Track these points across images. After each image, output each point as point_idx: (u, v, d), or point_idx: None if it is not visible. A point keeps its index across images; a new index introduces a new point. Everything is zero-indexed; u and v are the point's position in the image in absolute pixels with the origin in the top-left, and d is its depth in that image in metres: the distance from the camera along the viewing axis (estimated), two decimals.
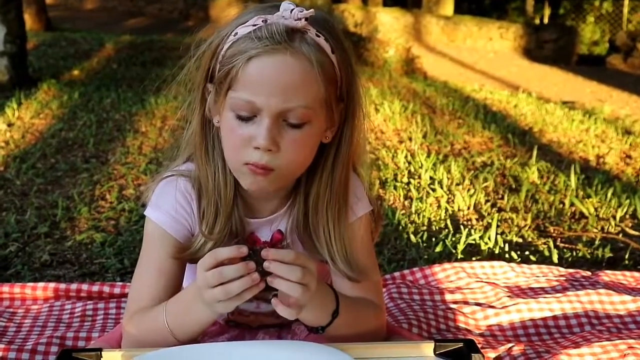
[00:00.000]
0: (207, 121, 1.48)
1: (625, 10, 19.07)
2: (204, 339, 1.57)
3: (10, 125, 5.27)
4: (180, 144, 1.58)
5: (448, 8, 16.68)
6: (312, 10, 1.37)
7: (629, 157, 4.85)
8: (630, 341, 1.99)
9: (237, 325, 1.67)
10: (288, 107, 1.34)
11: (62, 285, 2.39)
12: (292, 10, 1.34)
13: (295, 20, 1.33)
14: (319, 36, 1.37)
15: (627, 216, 3.51)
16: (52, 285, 2.40)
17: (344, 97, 1.46)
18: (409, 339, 1.71)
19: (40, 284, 2.40)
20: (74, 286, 2.40)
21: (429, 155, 4.56)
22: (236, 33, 1.37)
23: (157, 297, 1.48)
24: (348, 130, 1.49)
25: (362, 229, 1.57)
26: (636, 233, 3.28)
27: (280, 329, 1.68)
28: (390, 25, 14.77)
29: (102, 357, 1.39)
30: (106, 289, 2.39)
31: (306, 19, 1.34)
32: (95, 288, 2.39)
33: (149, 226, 1.55)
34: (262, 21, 1.35)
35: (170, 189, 1.53)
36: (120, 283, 2.46)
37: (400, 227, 3.24)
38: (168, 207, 1.51)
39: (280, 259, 1.25)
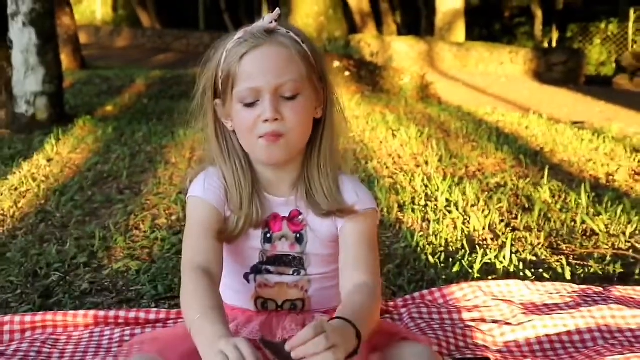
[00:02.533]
0: (221, 130, 1.70)
1: (630, 32, 18.97)
2: (235, 328, 1.64)
3: (49, 160, 5.32)
4: (204, 159, 1.78)
5: (460, 35, 16.68)
6: (278, 13, 1.64)
7: (638, 174, 4.82)
8: None
9: (264, 307, 1.74)
10: (281, 82, 1.56)
11: (101, 313, 2.41)
12: (264, 18, 1.62)
13: (268, 23, 1.60)
14: (288, 32, 1.61)
15: (637, 232, 3.48)
16: (91, 312, 2.41)
17: (323, 79, 1.68)
18: (426, 343, 1.72)
19: (81, 312, 2.42)
20: (112, 313, 2.41)
21: (444, 178, 4.56)
22: (228, 48, 1.61)
23: (203, 251, 1.62)
24: (330, 108, 1.70)
25: (367, 223, 1.69)
26: None
27: (304, 314, 1.74)
28: (405, 54, 14.79)
29: None
30: (142, 315, 2.41)
31: (276, 21, 1.61)
32: (132, 314, 2.41)
33: (188, 202, 1.72)
34: (244, 31, 1.61)
35: (200, 177, 1.72)
36: (155, 309, 2.47)
37: (419, 249, 3.24)
38: (200, 185, 1.69)
39: (302, 342, 1.29)
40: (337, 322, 1.41)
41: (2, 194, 4.30)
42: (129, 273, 2.98)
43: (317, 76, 1.64)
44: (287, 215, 1.69)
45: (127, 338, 2.25)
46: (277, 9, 1.67)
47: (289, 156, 1.64)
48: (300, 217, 1.69)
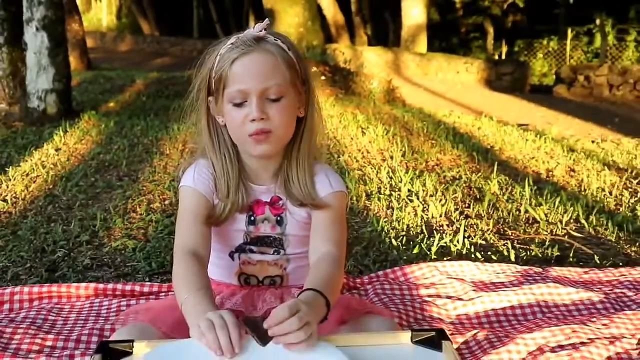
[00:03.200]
0: (212, 125, 1.69)
1: (568, 48, 19.21)
2: (220, 301, 1.66)
3: (57, 150, 5.27)
4: (195, 151, 1.78)
5: (422, 46, 16.72)
6: (267, 22, 1.63)
7: (573, 170, 4.86)
8: (574, 326, 2.01)
9: (247, 282, 1.74)
10: (266, 86, 1.56)
11: (101, 285, 2.40)
12: (255, 26, 1.62)
13: (258, 31, 1.59)
14: (276, 40, 1.61)
15: (572, 221, 3.51)
16: (92, 285, 2.40)
17: (306, 82, 1.68)
18: (388, 316, 1.75)
19: (83, 284, 2.40)
20: (110, 286, 2.40)
21: (407, 171, 4.56)
22: (221, 52, 1.61)
23: (193, 234, 1.63)
24: (311, 108, 1.70)
25: (335, 203, 1.70)
26: (579, 235, 3.28)
27: (282, 289, 1.74)
28: (374, 62, 14.80)
29: (133, 347, 1.39)
30: (137, 288, 2.40)
31: (265, 29, 1.60)
32: (128, 287, 2.40)
33: (180, 191, 1.72)
34: (236, 38, 1.61)
35: (191, 168, 1.72)
36: (149, 283, 2.47)
37: (384, 233, 3.25)
38: (191, 175, 1.69)
39: (278, 321, 1.28)
40: (308, 295, 1.41)
41: (15, 179, 4.27)
42: (126, 251, 2.96)
43: (300, 80, 1.64)
44: (268, 200, 1.69)
45: (123, 308, 2.24)
46: (267, 19, 1.67)
47: (276, 150, 1.65)
48: (280, 202, 1.70)
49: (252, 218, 1.69)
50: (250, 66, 1.56)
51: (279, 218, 1.70)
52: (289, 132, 1.65)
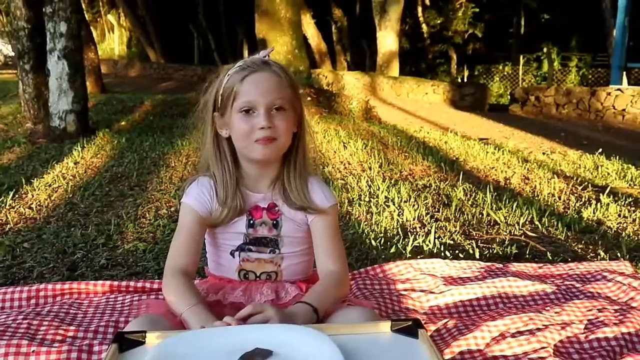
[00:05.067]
0: (216, 138, 1.67)
1: (520, 72, 19.40)
2: (222, 295, 1.68)
3: (76, 163, 5.24)
4: (200, 161, 1.77)
5: (395, 71, 16.80)
6: (271, 49, 1.69)
7: (527, 178, 4.88)
8: (530, 314, 2.02)
9: (245, 277, 1.73)
10: (273, 99, 1.58)
11: (115, 283, 2.38)
12: (261, 52, 1.67)
13: (263, 57, 1.65)
14: (278, 66, 1.64)
15: (527, 222, 3.53)
16: (108, 282, 2.38)
17: (300, 105, 1.69)
18: (368, 307, 1.73)
19: (99, 282, 2.39)
20: (124, 283, 2.38)
21: (384, 180, 4.57)
22: (229, 74, 1.61)
23: (184, 255, 1.64)
24: (303, 125, 1.72)
25: (331, 217, 1.71)
26: (534, 235, 3.30)
27: (277, 283, 1.74)
28: (353, 84, 14.85)
29: (145, 337, 1.38)
30: (147, 285, 2.38)
31: (268, 56, 1.65)
32: (140, 284, 2.38)
33: (181, 207, 1.71)
34: (244, 61, 1.63)
35: (194, 185, 1.71)
36: (158, 280, 2.44)
37: (364, 235, 3.24)
38: (192, 194, 1.69)
39: (242, 316, 1.41)
40: (297, 306, 1.50)
41: (39, 189, 4.23)
42: (137, 252, 2.94)
43: (296, 101, 1.66)
44: (266, 206, 1.69)
45: (135, 303, 2.22)
46: (271, 47, 1.72)
47: (278, 155, 1.66)
48: (276, 207, 1.70)
49: (252, 222, 1.69)
50: (259, 82, 1.58)
51: (275, 222, 1.70)
52: (288, 141, 1.65)
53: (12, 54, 8.36)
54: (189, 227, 1.67)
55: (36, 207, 3.78)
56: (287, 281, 1.73)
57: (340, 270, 1.67)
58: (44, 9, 6.48)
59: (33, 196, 4.05)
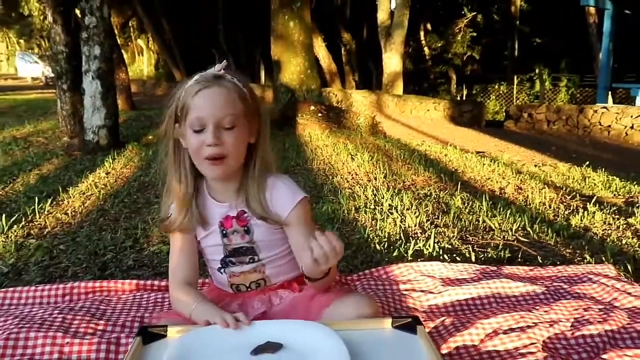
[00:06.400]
0: (176, 149, 1.59)
1: (514, 91, 19.36)
2: (222, 306, 1.61)
3: (107, 173, 5.27)
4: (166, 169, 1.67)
5: (399, 90, 16.80)
6: (225, 63, 1.57)
7: (520, 188, 4.86)
8: (522, 313, 2.00)
9: (238, 290, 1.69)
10: (221, 116, 1.49)
11: (142, 282, 2.40)
12: (215, 66, 1.56)
13: (217, 70, 1.54)
14: (232, 78, 1.54)
15: (520, 229, 3.51)
16: (134, 281, 2.40)
17: (257, 114, 1.59)
18: (366, 298, 1.68)
19: (127, 281, 2.40)
20: (149, 282, 2.40)
21: (388, 190, 4.56)
22: (186, 87, 1.54)
23: (180, 270, 1.64)
24: (262, 135, 1.61)
25: (301, 211, 1.61)
26: (526, 240, 3.28)
27: (268, 292, 1.70)
28: (360, 102, 14.85)
29: (167, 331, 1.38)
30: None
31: (224, 69, 1.54)
32: (163, 283, 2.39)
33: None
34: (200, 75, 1.54)
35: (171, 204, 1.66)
36: None
37: (369, 239, 3.24)
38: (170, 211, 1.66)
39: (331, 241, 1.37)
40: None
41: (74, 197, 4.27)
42: (162, 253, 2.95)
43: (252, 112, 1.56)
44: (235, 215, 1.62)
45: (159, 300, 2.24)
46: (225, 61, 1.60)
47: (228, 172, 1.57)
48: (245, 214, 1.62)
49: (224, 231, 1.63)
50: (208, 98, 1.49)
51: (246, 228, 1.62)
52: (240, 157, 1.57)
53: (52, 75, 8.46)
54: (176, 244, 1.66)
55: (71, 213, 3.81)
56: (279, 287, 1.69)
57: None
58: (80, 35, 6.56)
59: (69, 203, 4.08)
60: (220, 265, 1.68)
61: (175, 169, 1.61)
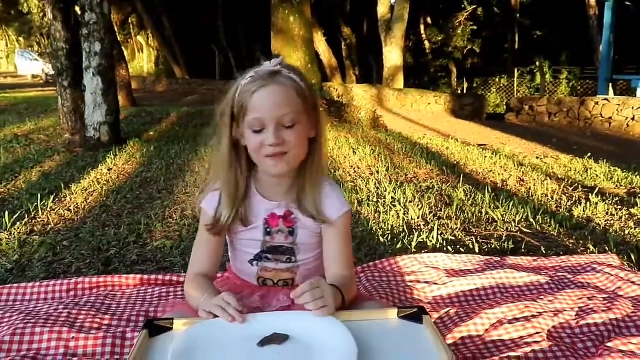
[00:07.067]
0: (232, 147, 1.54)
1: (515, 84, 19.32)
2: (241, 297, 1.58)
3: (109, 169, 5.27)
4: (211, 165, 1.64)
5: (399, 83, 16.78)
6: (281, 58, 1.51)
7: (522, 180, 4.86)
8: (526, 302, 2.01)
9: (264, 284, 1.67)
10: (281, 115, 1.44)
11: (145, 276, 2.40)
12: (271, 61, 1.50)
13: (273, 66, 1.49)
14: (289, 73, 1.49)
15: (522, 220, 3.51)
16: (138, 276, 2.40)
17: (315, 109, 1.55)
18: (379, 303, 1.70)
19: (131, 275, 2.41)
20: (153, 276, 2.40)
21: (390, 182, 4.56)
22: (241, 84, 1.48)
23: (202, 261, 1.60)
24: (321, 129, 1.57)
25: (342, 222, 1.59)
26: (528, 231, 3.28)
27: (293, 288, 1.63)
28: (361, 96, 14.84)
29: (172, 324, 1.38)
30: (174, 278, 2.40)
31: (280, 64, 1.49)
32: (167, 277, 2.40)
33: (200, 213, 1.63)
34: (254, 72, 1.49)
35: (211, 192, 1.60)
36: (183, 274, 2.43)
37: (372, 232, 3.24)
38: (209, 200, 1.59)
39: (301, 293, 1.32)
40: (332, 288, 1.41)
41: (76, 193, 4.26)
42: (165, 248, 2.96)
43: (310, 106, 1.52)
44: (282, 214, 1.59)
45: (163, 294, 2.24)
46: (282, 56, 1.56)
47: (291, 168, 1.53)
48: (292, 215, 1.59)
49: (268, 230, 1.60)
50: (267, 97, 1.45)
51: (290, 229, 1.60)
52: (302, 153, 1.53)
53: (52, 72, 8.45)
54: (204, 235, 1.60)
55: (74, 209, 3.81)
56: None
57: (348, 275, 1.57)
58: (80, 31, 6.55)
59: (71, 199, 4.08)
60: (253, 258, 1.65)
61: (229, 168, 1.55)
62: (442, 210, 3.75)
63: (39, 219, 3.56)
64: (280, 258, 1.62)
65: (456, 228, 3.33)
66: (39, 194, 4.10)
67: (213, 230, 1.58)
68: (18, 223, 3.43)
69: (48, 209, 3.80)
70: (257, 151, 1.49)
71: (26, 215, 3.61)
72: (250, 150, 1.52)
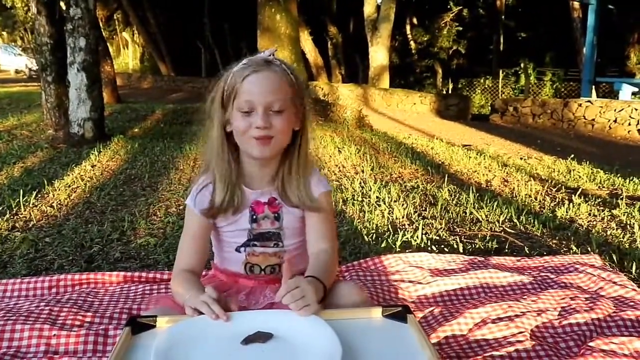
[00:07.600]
0: (221, 134, 1.57)
1: (500, 85, 19.43)
2: (227, 294, 1.59)
3: (93, 166, 5.22)
4: (205, 153, 1.65)
5: (385, 83, 16.80)
6: (274, 49, 1.58)
7: (506, 181, 4.89)
8: (510, 302, 2.02)
9: (251, 271, 1.68)
10: (271, 100, 1.49)
11: (129, 274, 2.38)
12: (265, 51, 1.56)
13: (267, 55, 1.54)
14: (281, 64, 1.54)
15: (506, 220, 3.53)
16: (122, 273, 2.38)
17: (302, 102, 1.59)
18: (356, 286, 1.68)
19: (114, 273, 2.38)
20: (136, 274, 2.38)
21: (375, 182, 4.57)
22: (234, 70, 1.54)
23: (189, 256, 1.62)
24: (307, 123, 1.62)
25: (326, 201, 1.65)
26: (512, 231, 3.30)
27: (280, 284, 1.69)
28: (347, 95, 14.84)
29: (156, 321, 1.37)
30: (158, 275, 2.38)
31: (273, 55, 1.55)
32: (151, 275, 2.38)
33: (186, 210, 1.65)
34: (248, 59, 1.54)
35: (193, 188, 1.65)
36: (167, 272, 2.43)
37: (357, 231, 3.24)
38: (193, 194, 1.63)
39: (282, 294, 1.33)
40: (309, 279, 1.42)
41: (59, 190, 4.22)
42: (149, 246, 2.93)
43: (298, 99, 1.57)
44: (266, 201, 1.63)
45: (147, 292, 2.22)
46: (276, 47, 1.63)
47: (274, 153, 1.58)
48: (276, 201, 1.63)
49: (254, 217, 1.63)
50: (258, 82, 1.49)
51: (276, 215, 1.64)
52: (285, 140, 1.57)
53: (36, 67, 8.37)
54: (193, 229, 1.62)
55: (57, 205, 3.77)
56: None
57: (331, 247, 1.62)
58: (65, 26, 6.48)
59: (54, 196, 4.03)
60: (240, 245, 1.66)
61: (221, 152, 1.59)
62: (427, 210, 3.76)
63: (21, 216, 3.51)
64: (267, 244, 1.65)
65: (441, 228, 3.34)
66: (21, 190, 4.06)
67: (209, 213, 1.61)
68: (0, 219, 3.39)
69: (30, 205, 3.75)
70: (243, 133, 1.52)
71: (8, 212, 3.57)
72: (236, 134, 1.55)
